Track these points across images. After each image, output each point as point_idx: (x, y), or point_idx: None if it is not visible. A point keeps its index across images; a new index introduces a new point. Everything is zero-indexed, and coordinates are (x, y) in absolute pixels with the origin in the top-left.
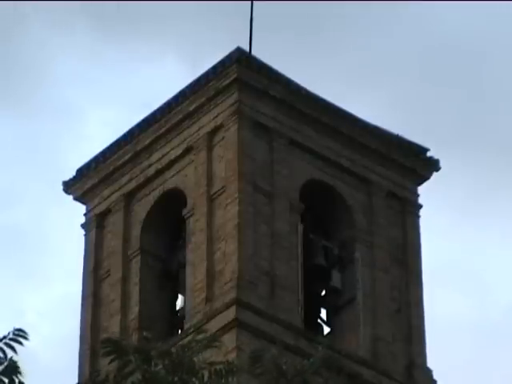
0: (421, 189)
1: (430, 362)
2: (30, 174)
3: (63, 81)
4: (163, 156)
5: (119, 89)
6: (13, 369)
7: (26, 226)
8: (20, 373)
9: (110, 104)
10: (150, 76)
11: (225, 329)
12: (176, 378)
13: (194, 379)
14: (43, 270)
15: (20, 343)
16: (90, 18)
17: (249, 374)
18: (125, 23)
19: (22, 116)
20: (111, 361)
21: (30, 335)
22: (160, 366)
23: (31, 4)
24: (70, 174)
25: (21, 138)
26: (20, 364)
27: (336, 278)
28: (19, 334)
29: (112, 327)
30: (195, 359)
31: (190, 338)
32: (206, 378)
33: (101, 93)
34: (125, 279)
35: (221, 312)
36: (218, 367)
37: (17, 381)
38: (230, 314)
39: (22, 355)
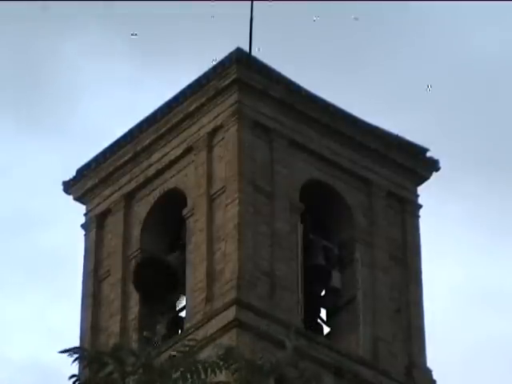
0: (420, 189)
1: (430, 362)
2: (64, 199)
3: (99, 108)
4: (163, 156)
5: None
6: None
7: (61, 248)
8: None
9: None
10: None
11: (225, 329)
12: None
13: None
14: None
15: None
16: (127, 44)
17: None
18: (162, 48)
19: (58, 143)
20: (84, 367)
21: (59, 348)
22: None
23: (68, 29)
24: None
25: (56, 164)
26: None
27: (336, 278)
28: None
29: (112, 327)
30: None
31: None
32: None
33: (137, 121)
34: (125, 279)
35: (221, 312)
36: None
37: None
38: (230, 314)
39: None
